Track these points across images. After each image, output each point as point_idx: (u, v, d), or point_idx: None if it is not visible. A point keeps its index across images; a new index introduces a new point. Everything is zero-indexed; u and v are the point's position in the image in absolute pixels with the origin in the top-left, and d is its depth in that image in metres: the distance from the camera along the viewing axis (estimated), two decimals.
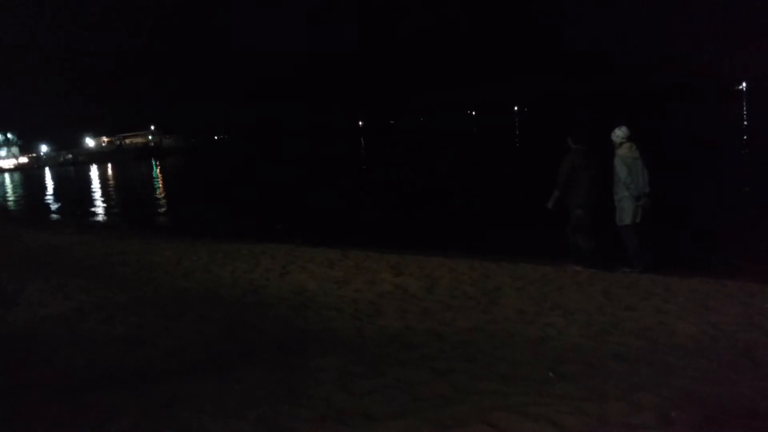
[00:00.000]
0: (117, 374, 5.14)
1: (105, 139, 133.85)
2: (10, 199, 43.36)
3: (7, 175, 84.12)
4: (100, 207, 30.13)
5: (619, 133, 7.95)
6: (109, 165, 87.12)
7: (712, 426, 3.73)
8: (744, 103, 75.42)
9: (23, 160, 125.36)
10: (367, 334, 5.94)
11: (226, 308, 7.19)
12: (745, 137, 34.41)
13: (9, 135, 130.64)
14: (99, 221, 24.01)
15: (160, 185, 43.36)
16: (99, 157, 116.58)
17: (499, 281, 7.80)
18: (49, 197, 40.53)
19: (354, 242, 11.68)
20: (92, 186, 47.28)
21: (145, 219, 23.18)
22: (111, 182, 52.28)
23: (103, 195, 37.67)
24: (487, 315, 6.39)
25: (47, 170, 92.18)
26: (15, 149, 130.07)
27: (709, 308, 6.24)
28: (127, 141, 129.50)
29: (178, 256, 11.05)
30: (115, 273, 9.84)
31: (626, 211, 7.99)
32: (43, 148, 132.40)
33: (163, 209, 27.45)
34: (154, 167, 66.04)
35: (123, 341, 6.06)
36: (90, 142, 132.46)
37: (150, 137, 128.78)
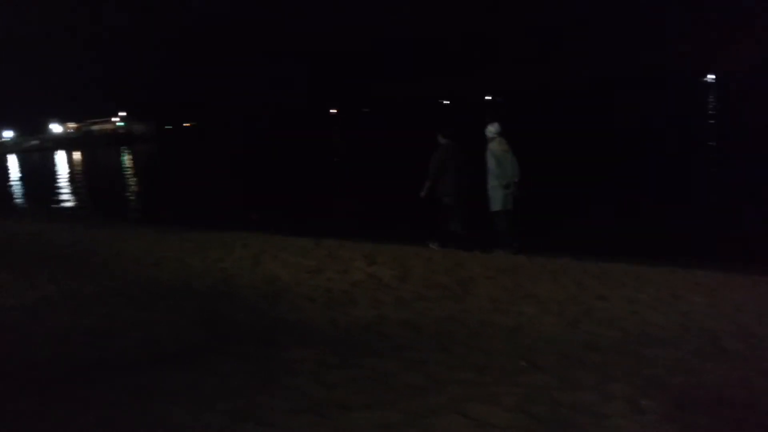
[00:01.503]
0: (87, 366, 5.03)
1: (72, 125, 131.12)
2: None
3: None
4: (67, 194, 29.55)
5: (491, 129, 8.95)
6: (77, 152, 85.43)
7: (681, 414, 3.80)
8: (711, 95, 76.73)
9: None
10: (340, 324, 5.91)
11: (197, 298, 7.10)
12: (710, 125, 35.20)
13: None
14: (66, 209, 23.55)
15: (130, 172, 42.68)
16: (66, 143, 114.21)
17: (472, 271, 7.83)
18: (14, 184, 39.65)
19: (328, 231, 11.60)
20: (59, 173, 46.34)
21: (113, 207, 22.81)
22: (78, 169, 51.34)
23: (70, 182, 36.95)
24: (460, 304, 6.41)
25: (12, 156, 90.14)
26: None
27: (678, 298, 6.34)
28: (96, 127, 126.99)
29: (148, 246, 10.89)
30: (83, 262, 9.65)
31: (496, 199, 8.87)
32: (7, 134, 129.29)
33: (132, 197, 27.05)
34: (123, 154, 64.98)
35: (93, 332, 5.95)
36: (56, 127, 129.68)
37: (120, 123, 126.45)
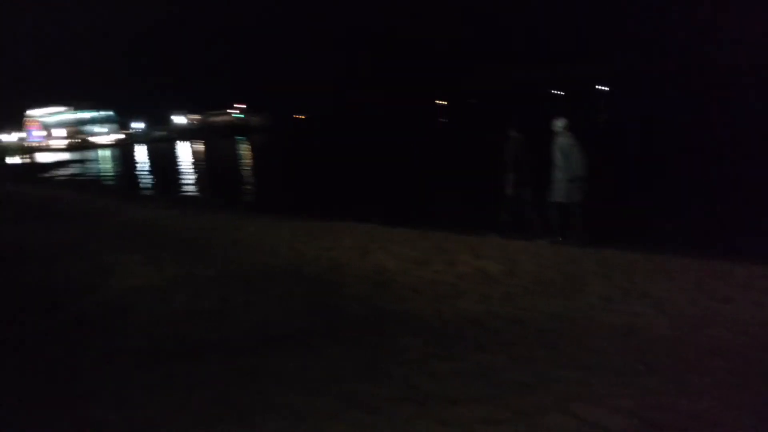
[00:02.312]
0: (204, 345, 5.34)
1: (193, 116, 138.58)
2: (108, 173, 45.69)
3: (107, 151, 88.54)
4: (188, 182, 31.28)
5: (558, 124, 9.21)
6: (198, 142, 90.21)
7: None
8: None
9: (120, 136, 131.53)
10: (446, 316, 5.91)
11: (307, 285, 7.33)
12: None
13: (108, 113, 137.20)
14: (187, 196, 24.93)
15: (246, 162, 44.53)
16: (188, 133, 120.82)
17: (583, 267, 7.59)
18: (142, 172, 42.43)
19: (433, 224, 11.60)
20: (181, 162, 49.13)
21: (231, 195, 23.89)
22: (199, 158, 54.17)
23: (191, 171, 39.09)
24: (570, 302, 6.23)
25: (141, 146, 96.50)
26: (114, 126, 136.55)
27: None
28: (215, 119, 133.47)
29: (262, 233, 11.35)
30: (203, 247, 10.21)
31: (558, 191, 9.11)
32: (137, 125, 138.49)
33: (248, 186, 28.21)
34: (241, 144, 67.86)
35: (211, 314, 6.30)
36: (179, 119, 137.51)
37: (238, 115, 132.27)
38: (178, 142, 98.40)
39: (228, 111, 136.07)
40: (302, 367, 4.67)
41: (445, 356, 4.84)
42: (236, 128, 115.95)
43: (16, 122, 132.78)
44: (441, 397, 4.14)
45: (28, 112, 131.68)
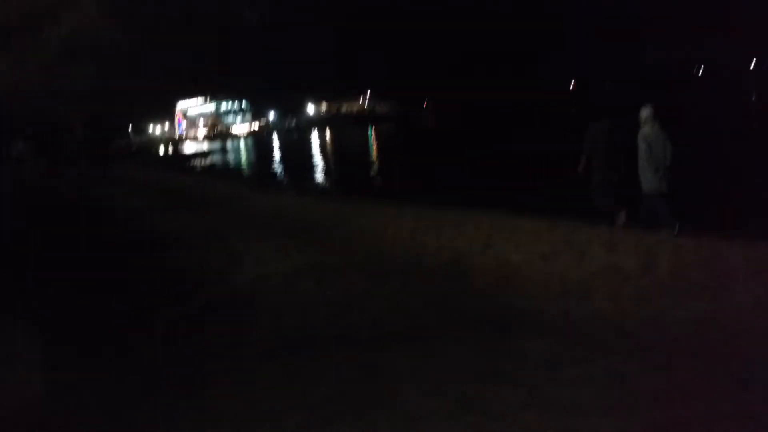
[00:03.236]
0: (325, 338, 5.38)
1: (324, 105, 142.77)
2: (244, 162, 48.12)
3: (242, 141, 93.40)
4: (318, 171, 32.21)
5: (644, 112, 8.98)
6: (328, 130, 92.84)
7: None
8: None
9: (255, 127, 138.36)
10: (574, 316, 5.57)
11: (428, 278, 7.22)
12: None
13: (243, 103, 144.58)
14: (317, 184, 25.65)
15: (374, 150, 45.18)
16: (319, 123, 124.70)
17: (732, 263, 6.87)
18: (274, 161, 44.26)
19: (562, 211, 11.06)
20: (312, 151, 50.74)
21: (357, 183, 24.28)
22: (329, 147, 55.71)
23: (321, 159, 40.25)
24: (716, 303, 5.65)
25: (274, 136, 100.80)
26: (248, 116, 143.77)
27: None
28: (345, 108, 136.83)
29: (385, 222, 11.36)
30: (327, 236, 10.39)
31: (646, 181, 8.86)
32: (270, 115, 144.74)
33: (374, 173, 28.57)
34: (369, 133, 69.00)
35: (332, 305, 6.36)
36: (311, 108, 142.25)
37: (365, 104, 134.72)
38: (309, 131, 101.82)
39: (357, 100, 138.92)
40: (420, 366, 4.56)
41: (572, 360, 4.55)
42: (363, 117, 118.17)
43: (165, 114, 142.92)
44: (568, 405, 3.88)
45: (179, 105, 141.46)
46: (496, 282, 6.82)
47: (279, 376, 4.55)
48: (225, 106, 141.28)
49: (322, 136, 77.00)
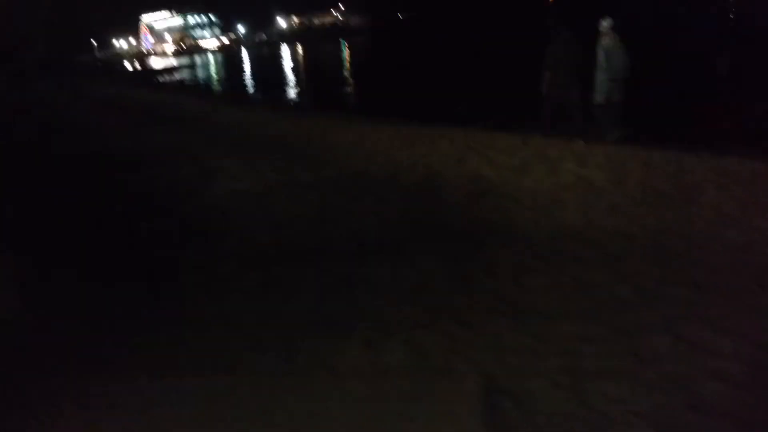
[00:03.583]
0: (301, 252, 5.45)
1: (295, 18, 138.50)
2: (214, 78, 46.92)
3: (211, 56, 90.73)
4: (289, 86, 31.58)
5: (604, 24, 9.22)
6: (299, 45, 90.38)
7: None
8: None
9: (224, 41, 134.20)
10: (545, 227, 5.69)
11: (403, 193, 7.27)
12: None
13: (211, 17, 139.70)
14: (290, 100, 25.23)
15: (347, 65, 44.25)
16: (289, 37, 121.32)
17: (698, 177, 7.03)
18: (245, 76, 43.22)
19: (534, 128, 11.10)
20: (283, 65, 49.56)
21: (330, 99, 23.92)
22: (300, 62, 54.41)
23: (292, 74, 39.40)
24: (682, 215, 5.81)
25: (244, 50, 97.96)
26: (216, 30, 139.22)
27: None
28: (316, 21, 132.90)
29: (360, 138, 11.31)
30: (301, 152, 10.33)
31: (601, 92, 9.21)
32: (240, 29, 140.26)
33: (348, 89, 28.11)
34: (343, 47, 67.32)
35: (307, 220, 6.40)
36: (282, 22, 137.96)
37: (338, 17, 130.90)
38: (280, 45, 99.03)
39: (330, 12, 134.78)
40: (395, 277, 4.67)
41: (541, 269, 4.69)
42: (338, 30, 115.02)
43: (129, 29, 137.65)
44: (536, 311, 4.04)
45: (143, 18, 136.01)
46: (470, 196, 6.89)
47: (255, 289, 4.63)
48: (193, 19, 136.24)
49: (293, 51, 75.04)
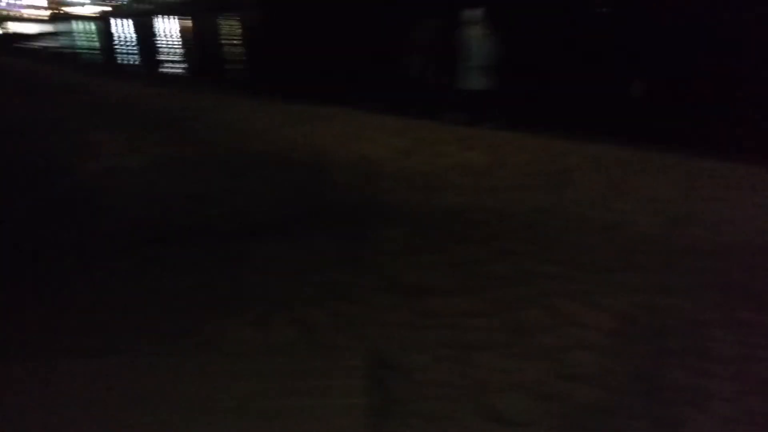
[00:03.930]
0: (186, 230, 5.30)
1: None
2: (90, 47, 44.14)
3: (88, 23, 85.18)
4: (176, 59, 30.31)
5: (470, 13, 9.58)
6: (184, 17, 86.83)
7: None
8: None
9: (103, 8, 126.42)
10: (431, 207, 5.87)
11: (291, 172, 7.23)
12: None
13: None
14: (175, 74, 24.23)
15: (237, 40, 42.98)
16: (175, 7, 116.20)
17: (571, 162, 7.49)
18: (127, 47, 41.02)
19: (422, 112, 11.34)
20: (169, 37, 47.44)
21: (220, 73, 23.21)
22: (188, 34, 52.29)
23: (180, 47, 37.81)
24: (555, 197, 6.18)
25: (124, 19, 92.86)
26: None
27: None
28: None
29: (248, 115, 11.10)
30: (186, 128, 9.99)
31: (466, 79, 9.68)
32: None
33: (239, 65, 27.35)
34: (230, 21, 65.19)
35: (191, 198, 6.22)
36: None
37: None
38: (164, 16, 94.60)
39: None
40: (283, 256, 4.66)
41: (427, 248, 4.84)
42: (228, 4, 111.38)
43: None
44: (421, 288, 4.16)
45: None
46: (359, 176, 6.96)
47: (136, 270, 4.46)
48: None
49: (181, 23, 71.96)
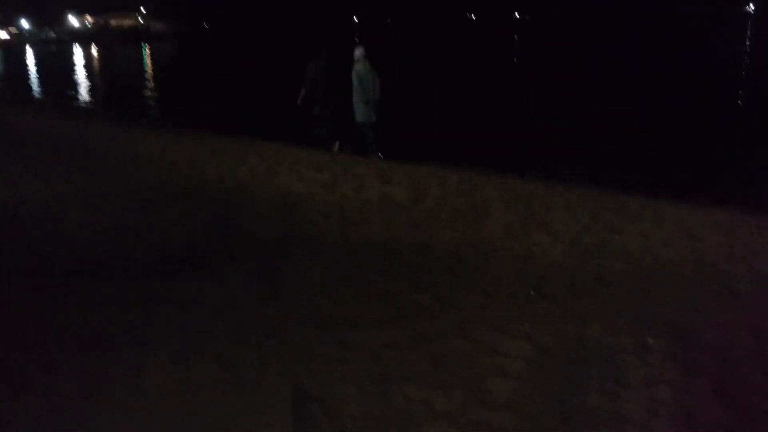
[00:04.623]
0: (100, 265, 5.11)
1: (90, 18, 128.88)
2: None
3: None
4: (84, 90, 29.32)
5: (357, 52, 10.44)
6: (94, 46, 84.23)
7: (686, 353, 3.80)
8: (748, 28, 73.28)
9: (4, 36, 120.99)
10: (352, 241, 5.92)
11: (210, 205, 7.12)
12: (745, 62, 33.64)
13: None
14: (83, 106, 23.43)
15: (149, 71, 42.10)
16: (83, 37, 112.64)
17: (487, 195, 7.73)
18: (32, 77, 39.35)
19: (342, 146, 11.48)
20: (77, 67, 45.87)
21: (131, 106, 22.61)
22: (96, 64, 50.75)
23: (88, 78, 36.62)
24: (473, 229, 6.37)
25: (28, 48, 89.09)
26: None
27: (695, 236, 6.25)
28: (114, 22, 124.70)
29: (163, 148, 10.84)
30: (98, 161, 9.65)
31: (359, 112, 10.41)
32: (24, 24, 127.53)
33: (150, 97, 26.77)
34: (144, 51, 63.86)
35: (106, 232, 6.01)
36: (74, 20, 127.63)
37: (140, 20, 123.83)
38: (72, 45, 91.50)
39: (131, 13, 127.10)
40: (203, 291, 4.57)
41: (348, 281, 4.87)
42: (139, 33, 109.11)
43: None
44: (343, 320, 4.18)
45: None
46: (279, 210, 6.94)
47: (47, 306, 4.25)
48: None
49: (87, 52, 69.71)
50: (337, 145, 10.86)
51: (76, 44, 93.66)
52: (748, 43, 47.09)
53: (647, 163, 10.99)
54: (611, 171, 9.50)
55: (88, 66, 48.61)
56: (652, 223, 6.71)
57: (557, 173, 9.23)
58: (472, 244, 5.91)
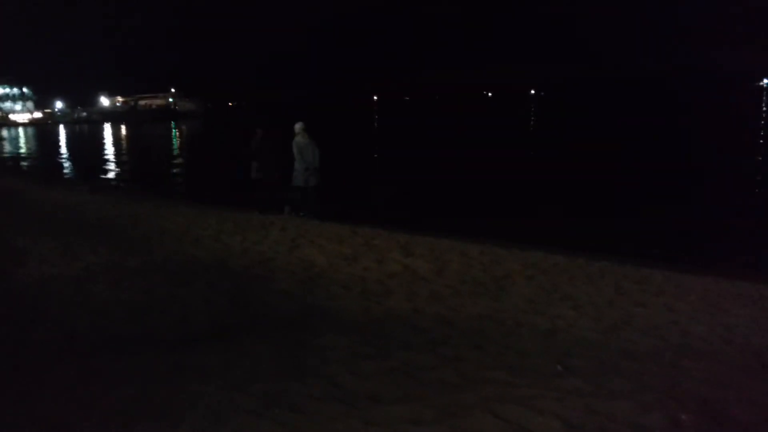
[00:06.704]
0: (124, 339, 5.14)
1: (120, 99, 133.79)
2: (23, 154, 43.47)
3: (21, 130, 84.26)
4: (112, 167, 30.15)
5: (297, 126, 12.07)
6: (123, 126, 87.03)
7: (719, 430, 3.69)
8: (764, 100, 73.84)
9: (38, 115, 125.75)
10: (374, 314, 5.91)
11: (234, 279, 7.18)
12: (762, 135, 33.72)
13: (24, 89, 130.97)
14: (111, 182, 24.05)
15: (177, 149, 43.27)
16: (113, 116, 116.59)
17: (509, 268, 7.74)
18: (62, 154, 40.63)
19: (364, 219, 11.62)
20: (106, 146, 47.32)
21: (158, 182, 23.18)
22: (125, 143, 52.30)
23: (116, 156, 37.71)
24: (496, 302, 6.34)
25: (61, 127, 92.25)
26: (30, 104, 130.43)
27: (721, 309, 6.17)
28: (142, 102, 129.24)
29: (188, 223, 11.05)
30: (125, 236, 9.85)
31: (297, 178, 11.97)
32: (58, 105, 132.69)
33: (176, 174, 27.42)
34: (173, 130, 65.76)
35: (131, 306, 6.06)
36: (105, 101, 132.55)
37: (170, 99, 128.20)
38: (103, 124, 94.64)
39: (158, 95, 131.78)
40: (226, 364, 4.56)
41: (371, 355, 4.83)
42: (168, 113, 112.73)
43: None
44: (366, 396, 4.13)
45: None
46: (302, 283, 6.98)
47: (74, 379, 4.27)
48: (1, 90, 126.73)
49: (116, 131, 72.00)
50: (288, 209, 12.22)
51: (107, 123, 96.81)
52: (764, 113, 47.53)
53: (668, 234, 10.95)
54: (631, 242, 9.48)
55: (116, 144, 50.12)
56: (677, 296, 6.65)
57: (578, 245, 9.24)
58: (496, 317, 5.87)
